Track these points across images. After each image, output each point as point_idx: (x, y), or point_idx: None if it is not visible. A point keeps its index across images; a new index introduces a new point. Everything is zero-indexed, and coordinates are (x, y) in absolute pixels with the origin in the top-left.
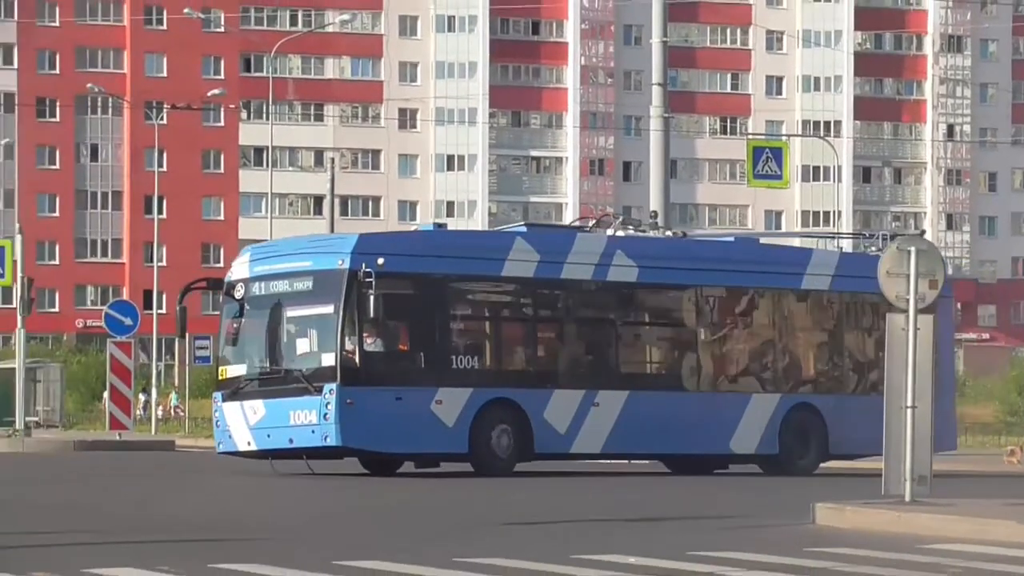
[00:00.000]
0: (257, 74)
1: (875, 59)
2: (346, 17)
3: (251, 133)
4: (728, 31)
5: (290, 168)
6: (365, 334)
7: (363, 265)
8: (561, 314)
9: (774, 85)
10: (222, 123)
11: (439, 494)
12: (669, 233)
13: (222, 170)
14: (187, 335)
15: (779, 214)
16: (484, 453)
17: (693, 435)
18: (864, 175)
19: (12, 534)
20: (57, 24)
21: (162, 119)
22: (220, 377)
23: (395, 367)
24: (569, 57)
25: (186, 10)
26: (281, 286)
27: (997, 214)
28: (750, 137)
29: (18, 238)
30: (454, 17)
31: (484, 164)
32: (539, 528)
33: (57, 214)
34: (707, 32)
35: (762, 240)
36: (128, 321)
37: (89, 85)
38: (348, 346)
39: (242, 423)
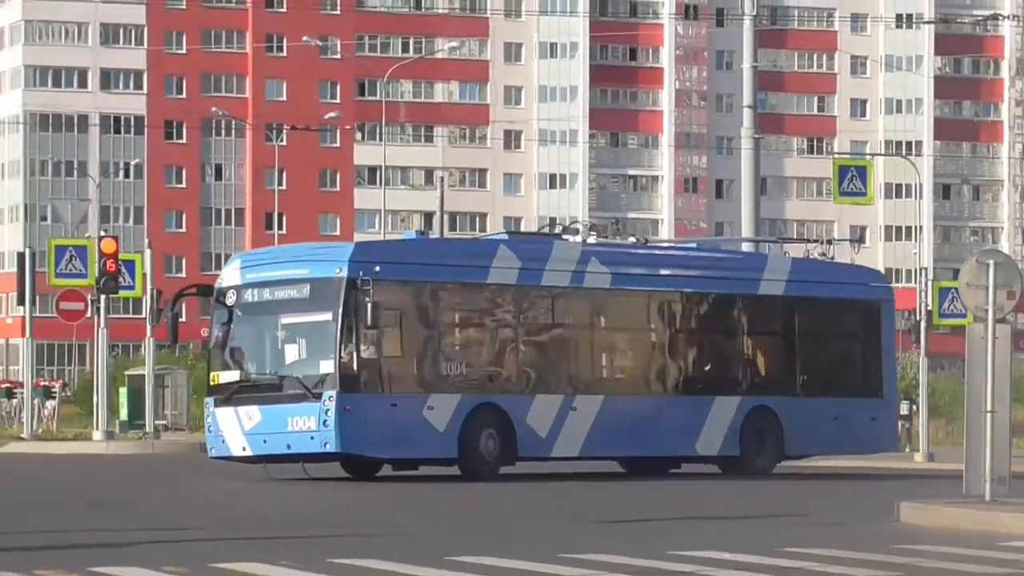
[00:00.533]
0: (371, 98)
1: (954, 82)
2: (455, 44)
3: (365, 153)
4: (815, 56)
5: (402, 186)
6: (362, 341)
7: (360, 273)
8: (541, 320)
9: (858, 107)
10: (338, 144)
11: (508, 496)
12: (632, 239)
13: (338, 188)
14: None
15: (863, 229)
16: (472, 457)
17: (663, 437)
18: (944, 192)
19: (138, 530)
20: (184, 52)
21: (282, 140)
22: (212, 383)
23: (390, 374)
24: (664, 81)
25: (305, 38)
26: (276, 293)
27: None
28: (836, 156)
29: (147, 252)
30: (556, 44)
31: (584, 182)
32: (633, 526)
33: (184, 229)
34: (795, 57)
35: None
36: None
37: (214, 109)
38: (346, 353)
39: (236, 428)
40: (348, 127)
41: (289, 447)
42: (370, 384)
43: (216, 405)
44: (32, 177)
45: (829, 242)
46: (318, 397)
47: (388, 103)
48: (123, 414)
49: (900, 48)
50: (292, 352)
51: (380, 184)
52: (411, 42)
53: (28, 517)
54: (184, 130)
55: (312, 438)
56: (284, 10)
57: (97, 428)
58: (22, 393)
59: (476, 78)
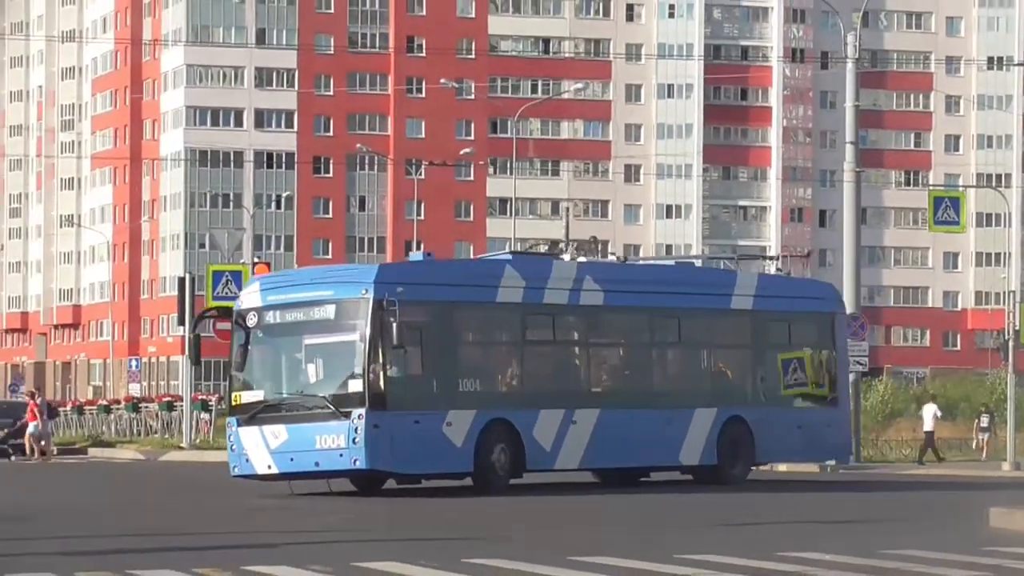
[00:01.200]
0: (502, 135)
1: None
2: (579, 86)
3: (496, 186)
4: (912, 96)
5: (530, 216)
6: (388, 361)
7: (386, 294)
8: (543, 337)
9: (952, 143)
10: (472, 177)
11: (565, 505)
12: (613, 258)
13: (471, 218)
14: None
15: (956, 255)
16: (487, 470)
17: (652, 448)
18: None
19: (285, 532)
20: (331, 93)
21: (420, 174)
22: (234, 403)
23: (413, 392)
24: (773, 119)
25: (442, 80)
26: (300, 314)
27: None
28: (931, 188)
29: None
30: (673, 85)
31: (698, 212)
32: (734, 530)
33: (330, 256)
34: (893, 97)
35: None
36: None
37: (358, 145)
38: (373, 372)
39: (262, 447)
40: (481, 162)
41: (317, 464)
42: (395, 402)
43: (239, 425)
44: (192, 208)
45: (784, 258)
46: (347, 416)
47: (518, 140)
48: None
49: (991, 88)
50: (318, 372)
51: (510, 214)
52: (539, 84)
53: (187, 519)
54: (331, 165)
55: (341, 455)
56: (423, 55)
57: None
58: (182, 406)
59: (599, 117)
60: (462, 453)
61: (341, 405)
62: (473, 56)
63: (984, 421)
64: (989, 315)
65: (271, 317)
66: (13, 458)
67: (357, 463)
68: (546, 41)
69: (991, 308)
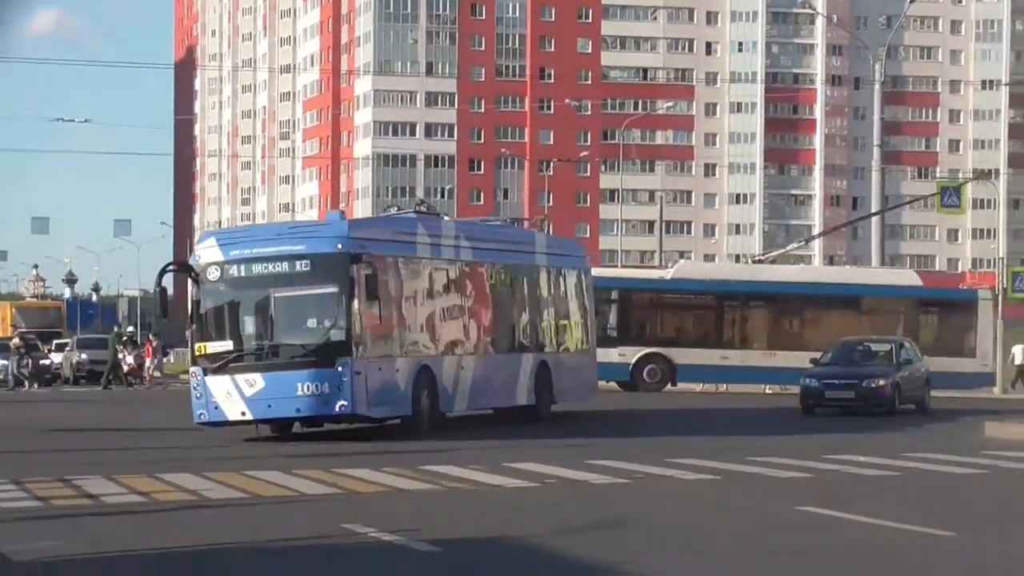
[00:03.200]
0: (611, 141)
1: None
2: (670, 104)
3: (607, 180)
4: (923, 110)
5: (632, 203)
6: (362, 312)
7: (360, 248)
8: (443, 288)
9: (954, 145)
10: (588, 174)
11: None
12: (447, 217)
13: (588, 205)
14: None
15: (957, 231)
16: (419, 414)
17: (504, 391)
18: (1015, 204)
19: (456, 440)
20: (482, 111)
21: (549, 171)
22: (198, 352)
23: (377, 341)
24: (817, 128)
25: (566, 100)
26: (270, 268)
27: None
28: (938, 180)
29: None
30: (741, 103)
31: (760, 199)
32: (743, 440)
33: None
34: (909, 111)
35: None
36: None
37: (503, 150)
38: (352, 323)
39: (234, 395)
40: (596, 159)
41: (299, 411)
42: (366, 351)
43: (207, 374)
44: (377, 198)
45: (542, 220)
46: (330, 364)
47: (623, 145)
48: None
49: (985, 104)
50: (293, 323)
51: (618, 201)
52: (640, 102)
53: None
54: (482, 165)
55: (326, 402)
56: (552, 81)
57: None
58: None
59: (685, 127)
60: (404, 398)
61: (323, 354)
62: (590, 82)
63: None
64: (983, 277)
65: (236, 271)
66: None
67: (343, 408)
68: (645, 70)
69: (984, 271)
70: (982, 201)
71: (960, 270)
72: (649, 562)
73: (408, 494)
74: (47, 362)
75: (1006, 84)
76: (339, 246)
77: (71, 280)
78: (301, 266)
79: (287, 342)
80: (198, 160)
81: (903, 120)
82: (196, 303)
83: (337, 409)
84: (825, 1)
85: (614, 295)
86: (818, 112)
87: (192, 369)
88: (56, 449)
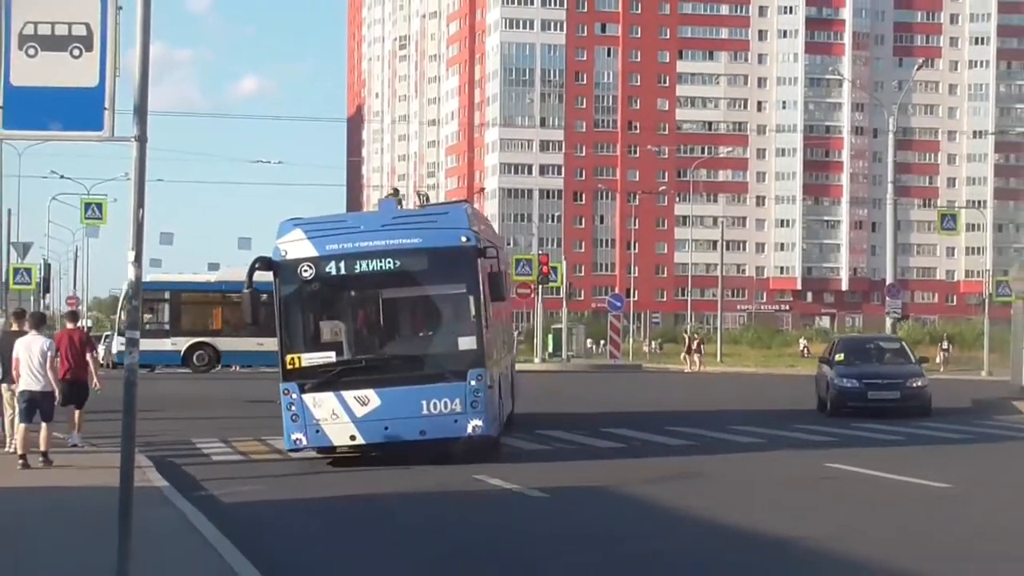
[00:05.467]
0: (684, 179)
1: (1008, 168)
2: (729, 150)
3: (680, 208)
4: (927, 154)
5: (699, 226)
6: (487, 314)
7: (480, 241)
8: None
9: (952, 182)
10: (665, 203)
11: None
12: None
13: (665, 227)
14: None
15: (953, 248)
16: (501, 427)
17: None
18: (999, 228)
19: (567, 411)
20: (583, 155)
21: (636, 202)
22: (290, 366)
23: (490, 349)
24: (844, 169)
25: (649, 147)
26: (381, 265)
27: None
28: (939, 208)
29: (563, 263)
30: (784, 148)
31: (800, 223)
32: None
33: (583, 250)
34: (916, 155)
35: None
36: (618, 304)
37: (599, 185)
38: (480, 328)
39: (342, 416)
40: (672, 193)
41: (423, 433)
42: (490, 360)
43: (304, 391)
44: (503, 223)
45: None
46: (460, 376)
47: (693, 181)
48: (550, 348)
49: (976, 149)
50: (413, 329)
51: (688, 225)
52: (706, 148)
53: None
54: (583, 196)
55: (456, 421)
56: (638, 132)
57: (536, 356)
58: None
59: (741, 168)
60: (503, 412)
61: (454, 365)
62: (667, 133)
63: (945, 345)
64: (973, 284)
65: (335, 268)
66: None
67: (477, 430)
68: (709, 123)
69: (974, 280)
70: (974, 225)
71: (956, 279)
72: (716, 503)
73: (526, 452)
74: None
75: (992, 134)
76: (463, 239)
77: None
78: (419, 262)
79: (408, 352)
80: (364, 192)
81: (912, 162)
82: (282, 306)
83: (469, 430)
84: (850, 69)
85: (166, 295)
86: (845, 156)
87: (283, 386)
88: (253, 416)
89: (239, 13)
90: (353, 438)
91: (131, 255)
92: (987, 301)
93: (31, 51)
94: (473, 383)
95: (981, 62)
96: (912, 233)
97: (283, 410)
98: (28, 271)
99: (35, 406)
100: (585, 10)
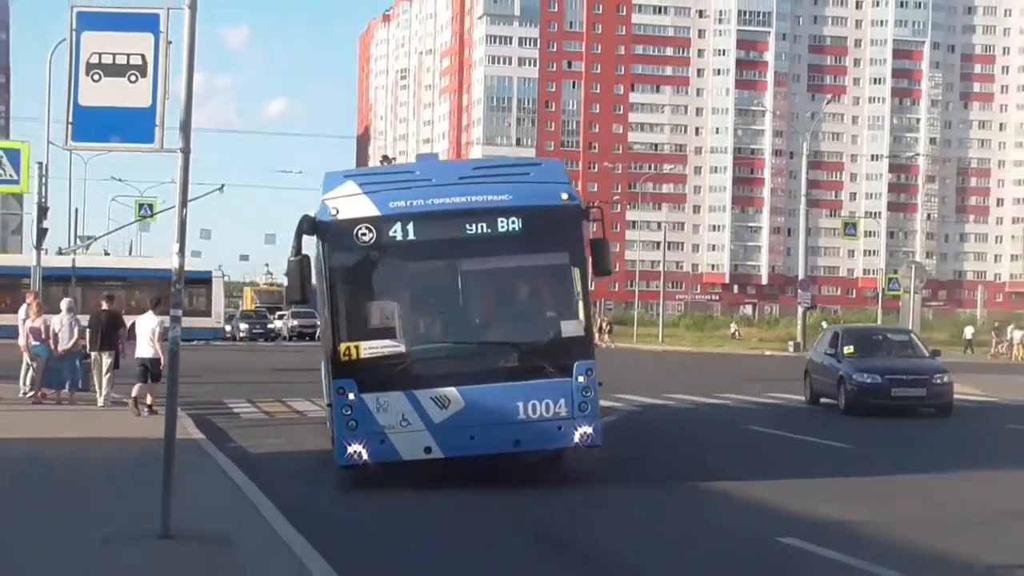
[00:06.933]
0: (634, 190)
1: (899, 185)
2: (671, 167)
3: (631, 215)
4: (834, 172)
5: (646, 230)
6: (588, 293)
7: (579, 201)
8: None
9: (853, 196)
10: (619, 210)
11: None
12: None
13: (618, 230)
14: None
15: (853, 251)
16: None
17: None
18: (891, 235)
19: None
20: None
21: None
22: (345, 358)
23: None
24: (765, 184)
25: (606, 163)
26: (461, 228)
27: None
28: (843, 218)
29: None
30: (716, 167)
31: (728, 227)
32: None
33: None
34: (823, 173)
35: None
36: None
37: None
38: (589, 310)
39: (414, 421)
40: (624, 202)
41: (518, 443)
42: (596, 351)
43: (364, 389)
44: None
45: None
46: (566, 371)
47: (642, 193)
48: None
49: (874, 170)
50: (504, 311)
51: (637, 229)
52: (652, 165)
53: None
54: None
55: (560, 428)
56: (597, 151)
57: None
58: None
59: (681, 182)
60: None
61: (555, 356)
62: (621, 152)
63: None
64: (868, 281)
65: (400, 231)
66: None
67: (586, 439)
68: (656, 144)
69: (870, 276)
70: (870, 232)
71: (856, 275)
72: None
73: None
74: (272, 326)
75: (886, 157)
76: (564, 195)
77: (287, 273)
78: (511, 224)
79: (498, 339)
80: None
81: (821, 179)
82: (332, 281)
83: (577, 439)
84: (772, 102)
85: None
86: (766, 173)
87: (337, 384)
88: (277, 381)
89: (270, 47)
90: (428, 450)
91: (175, 247)
92: (881, 294)
93: (96, 77)
94: (581, 379)
95: (879, 98)
96: (820, 238)
97: (335, 415)
98: None
99: (147, 370)
100: (555, 50)
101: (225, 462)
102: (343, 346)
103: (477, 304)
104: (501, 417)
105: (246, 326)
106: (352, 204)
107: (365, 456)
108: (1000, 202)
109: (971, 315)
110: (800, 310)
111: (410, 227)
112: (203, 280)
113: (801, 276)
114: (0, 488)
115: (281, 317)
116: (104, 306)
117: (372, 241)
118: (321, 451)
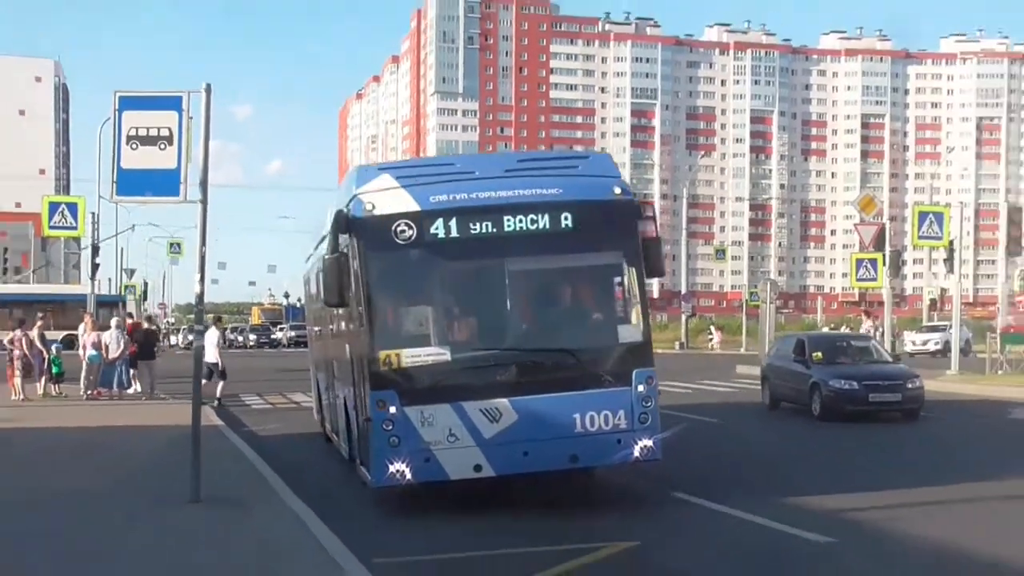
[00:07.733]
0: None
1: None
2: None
3: None
4: (707, 211)
5: None
6: (645, 295)
7: (632, 195)
8: None
9: (723, 229)
10: None
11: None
12: None
13: None
14: None
15: (723, 271)
16: None
17: None
18: (751, 258)
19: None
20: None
21: None
22: (384, 367)
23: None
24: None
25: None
26: (510, 225)
27: None
28: (714, 245)
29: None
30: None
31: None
32: None
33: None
34: (700, 212)
35: None
36: None
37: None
38: (648, 313)
39: (463, 437)
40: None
41: (575, 459)
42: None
43: (407, 402)
44: None
45: None
46: (625, 379)
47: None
48: None
49: (738, 209)
50: (557, 315)
51: None
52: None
53: None
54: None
55: (620, 441)
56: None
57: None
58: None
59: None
60: None
61: (613, 364)
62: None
63: (712, 331)
64: (735, 294)
65: (443, 228)
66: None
67: (647, 453)
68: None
69: (737, 290)
70: (736, 256)
71: (726, 290)
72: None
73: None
74: (275, 336)
75: (747, 199)
76: (616, 190)
77: (287, 295)
78: (562, 221)
79: (551, 346)
80: None
81: (698, 216)
82: (368, 283)
83: (637, 454)
84: (659, 157)
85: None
86: (656, 211)
87: (375, 396)
88: (279, 379)
89: (268, 120)
90: (479, 468)
91: (197, 277)
92: (745, 304)
93: (134, 145)
94: (641, 388)
95: (740, 153)
96: (698, 261)
97: (373, 430)
98: (133, 288)
99: (212, 371)
100: (491, 119)
101: (239, 443)
102: (382, 354)
103: (527, 307)
104: (557, 431)
105: (254, 336)
106: (389, 199)
107: (408, 476)
108: (833, 232)
109: (813, 320)
110: (683, 317)
111: (453, 223)
112: (114, 303)
113: (683, 291)
114: (68, 462)
115: (281, 329)
116: (145, 325)
117: (412, 239)
118: (312, 433)
